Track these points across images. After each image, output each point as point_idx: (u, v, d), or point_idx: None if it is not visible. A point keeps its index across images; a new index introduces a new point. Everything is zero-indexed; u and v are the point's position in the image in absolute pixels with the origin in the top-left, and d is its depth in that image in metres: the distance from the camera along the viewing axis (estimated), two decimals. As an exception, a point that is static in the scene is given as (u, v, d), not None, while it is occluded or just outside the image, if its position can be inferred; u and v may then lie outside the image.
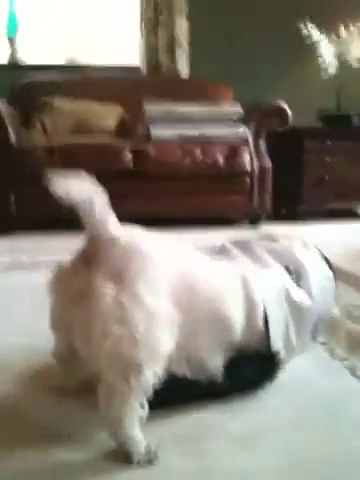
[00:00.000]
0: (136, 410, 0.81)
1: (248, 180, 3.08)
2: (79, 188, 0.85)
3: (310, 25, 3.49)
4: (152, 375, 0.81)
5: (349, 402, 1.02)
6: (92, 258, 0.84)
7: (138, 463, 0.82)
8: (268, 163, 3.12)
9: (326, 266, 1.12)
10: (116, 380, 0.79)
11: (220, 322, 0.92)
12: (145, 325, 0.79)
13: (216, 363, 0.94)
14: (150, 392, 0.81)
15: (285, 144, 3.33)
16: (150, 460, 0.82)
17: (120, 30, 3.97)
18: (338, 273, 1.93)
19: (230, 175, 3.04)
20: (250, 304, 0.96)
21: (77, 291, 0.82)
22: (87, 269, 0.83)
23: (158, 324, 0.81)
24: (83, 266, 0.84)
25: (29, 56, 3.82)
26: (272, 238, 1.13)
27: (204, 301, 0.90)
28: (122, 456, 0.83)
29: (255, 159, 3.08)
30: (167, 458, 0.83)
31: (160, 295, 0.83)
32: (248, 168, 3.05)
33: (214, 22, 3.84)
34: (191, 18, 3.79)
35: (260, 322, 0.97)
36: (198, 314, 0.89)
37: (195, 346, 0.91)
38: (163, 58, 3.83)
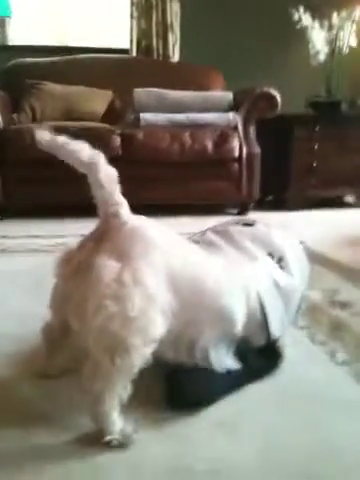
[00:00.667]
0: (118, 390, 0.81)
1: (237, 166, 3.08)
2: (86, 150, 0.90)
3: (302, 11, 3.47)
4: (139, 357, 0.81)
5: (329, 388, 1.04)
6: (101, 236, 0.86)
7: (109, 443, 0.82)
8: (257, 150, 3.12)
9: (300, 247, 1.16)
10: (103, 357, 0.79)
11: (221, 312, 0.94)
12: (140, 306, 0.80)
13: (220, 352, 0.96)
14: (135, 374, 0.82)
15: (274, 131, 3.33)
16: (123, 443, 0.83)
17: (111, 13, 3.94)
18: (322, 260, 1.98)
19: (219, 161, 3.04)
20: (248, 296, 0.99)
21: (79, 263, 0.84)
22: (94, 245, 0.85)
23: (153, 307, 0.82)
24: (91, 242, 0.86)
25: (19, 38, 3.78)
26: (248, 223, 1.15)
27: (205, 291, 0.92)
28: (96, 434, 0.83)
29: (244, 145, 3.08)
30: (146, 443, 0.85)
31: (160, 280, 0.84)
32: (237, 154, 3.05)
33: (205, 7, 3.82)
34: (183, 2, 3.76)
35: (258, 313, 1.00)
36: (199, 303, 0.91)
37: (196, 334, 0.92)
38: (154, 42, 3.81)
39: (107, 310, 0.78)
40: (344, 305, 1.50)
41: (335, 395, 1.01)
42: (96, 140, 3.04)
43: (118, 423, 0.84)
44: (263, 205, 3.29)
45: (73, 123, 2.94)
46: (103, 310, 0.78)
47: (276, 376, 1.07)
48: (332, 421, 0.92)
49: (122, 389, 0.82)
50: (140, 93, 3.15)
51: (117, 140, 2.87)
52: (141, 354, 0.81)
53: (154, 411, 0.94)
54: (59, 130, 3.08)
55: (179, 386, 0.95)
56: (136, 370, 0.82)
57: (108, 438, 0.83)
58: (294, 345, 1.21)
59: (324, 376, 1.09)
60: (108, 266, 0.80)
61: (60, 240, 2.31)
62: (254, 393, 1.01)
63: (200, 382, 0.94)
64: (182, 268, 0.89)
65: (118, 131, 2.91)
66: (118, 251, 0.83)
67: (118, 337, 0.79)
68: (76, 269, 0.84)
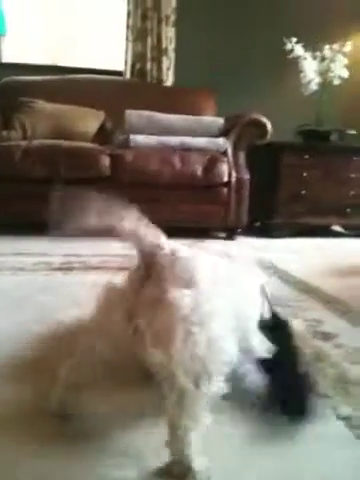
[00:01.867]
0: (204, 419, 0.79)
1: (226, 191, 3.09)
2: (122, 223, 0.88)
3: (295, 42, 3.53)
4: (218, 383, 0.80)
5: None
6: (151, 273, 0.86)
7: None
8: (246, 175, 3.14)
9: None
10: (188, 383, 0.78)
11: (243, 321, 0.94)
12: (219, 330, 0.81)
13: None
14: (212, 402, 0.80)
15: (264, 157, 3.36)
16: None
17: (107, 36, 3.98)
18: (306, 289, 1.97)
19: (208, 186, 3.04)
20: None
21: (147, 302, 0.84)
22: (155, 283, 0.85)
23: (227, 329, 0.83)
24: (143, 281, 0.87)
25: (13, 56, 3.80)
26: (228, 255, 1.12)
27: (235, 303, 0.91)
28: (178, 471, 0.79)
29: (233, 171, 3.10)
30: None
31: (223, 299, 0.86)
32: (226, 179, 3.06)
33: (201, 33, 3.88)
34: (178, 28, 3.82)
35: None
36: (241, 321, 0.92)
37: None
38: (148, 66, 3.85)
39: (195, 337, 0.78)
40: (327, 336, 1.48)
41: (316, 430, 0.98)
42: (85, 160, 3.08)
43: (205, 460, 0.80)
44: (251, 231, 3.30)
45: (62, 142, 2.93)
46: (191, 337, 0.78)
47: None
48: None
49: (206, 417, 0.79)
50: (131, 115, 3.17)
51: (106, 160, 2.87)
52: (220, 379, 0.80)
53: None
54: (48, 148, 3.10)
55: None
56: (216, 396, 0.80)
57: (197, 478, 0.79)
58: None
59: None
60: (184, 296, 0.81)
61: (45, 259, 2.29)
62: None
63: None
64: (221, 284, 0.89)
65: (107, 151, 2.91)
66: (183, 281, 0.84)
67: (204, 361, 0.79)
68: (142, 307, 0.84)
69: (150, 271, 0.87)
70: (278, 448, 0.91)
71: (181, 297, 0.81)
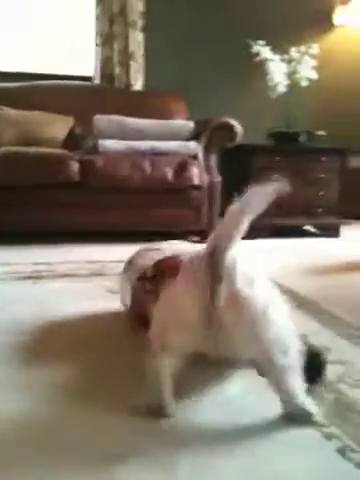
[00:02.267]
0: (301, 379, 1.01)
1: (197, 195, 3.09)
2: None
3: (262, 44, 3.56)
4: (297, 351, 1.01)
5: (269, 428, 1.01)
6: (219, 275, 0.95)
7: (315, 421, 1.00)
8: (217, 178, 3.14)
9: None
10: (282, 359, 0.98)
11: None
12: (285, 313, 1.02)
13: None
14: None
15: (235, 160, 3.37)
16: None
17: (75, 41, 3.95)
18: (280, 290, 1.97)
19: (179, 189, 3.04)
20: None
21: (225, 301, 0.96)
22: (227, 283, 0.96)
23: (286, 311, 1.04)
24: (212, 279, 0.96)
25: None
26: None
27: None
28: (300, 418, 1.00)
29: (205, 174, 3.10)
30: None
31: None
32: (197, 183, 3.06)
33: (169, 37, 3.88)
34: (146, 32, 3.81)
35: None
36: None
37: None
38: (117, 70, 3.83)
39: (277, 323, 0.98)
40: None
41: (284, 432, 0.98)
42: (53, 166, 3.04)
43: (312, 403, 1.02)
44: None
45: (29, 149, 2.90)
46: (274, 323, 0.97)
47: (223, 415, 1.03)
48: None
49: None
50: (100, 120, 3.15)
51: (75, 166, 2.83)
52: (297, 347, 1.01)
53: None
54: (14, 156, 3.04)
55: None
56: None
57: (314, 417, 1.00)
58: (245, 378, 1.18)
59: (272, 413, 1.05)
60: (255, 292, 0.98)
61: (14, 268, 2.25)
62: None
63: None
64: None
65: (76, 157, 2.88)
66: (249, 281, 0.99)
67: (287, 339, 0.99)
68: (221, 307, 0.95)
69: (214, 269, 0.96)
70: (240, 448, 0.90)
71: (256, 295, 0.98)
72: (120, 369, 1.22)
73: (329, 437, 0.95)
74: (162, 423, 0.98)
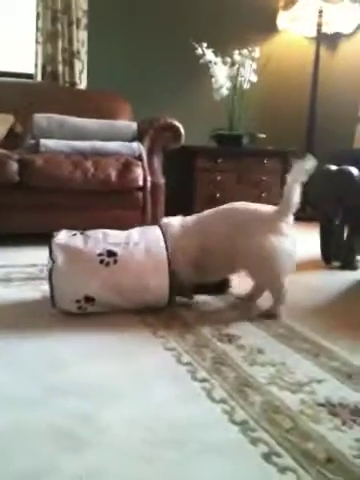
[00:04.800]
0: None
1: (141, 196, 3.07)
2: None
3: (205, 46, 3.58)
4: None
5: (202, 429, 1.01)
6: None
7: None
8: (161, 179, 3.13)
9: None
10: (283, 283, 1.68)
11: None
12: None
13: None
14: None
15: (179, 161, 3.38)
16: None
17: (15, 37, 3.85)
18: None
19: (123, 190, 3.00)
20: None
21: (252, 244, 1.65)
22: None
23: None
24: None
25: None
26: None
27: None
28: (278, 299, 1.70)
29: (148, 175, 3.08)
30: None
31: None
32: (141, 184, 3.04)
33: (113, 36, 3.85)
34: (90, 31, 3.76)
35: None
36: None
37: None
38: (60, 69, 3.75)
39: (286, 261, 1.66)
40: (232, 337, 1.50)
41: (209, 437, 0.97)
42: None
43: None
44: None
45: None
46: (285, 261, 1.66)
47: (149, 419, 1.03)
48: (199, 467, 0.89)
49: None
50: (40, 118, 3.07)
51: (14, 166, 2.75)
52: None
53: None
54: None
55: None
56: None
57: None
58: (174, 382, 1.18)
59: (200, 416, 1.05)
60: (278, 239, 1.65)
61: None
62: (122, 443, 0.95)
63: None
64: None
65: (15, 157, 2.80)
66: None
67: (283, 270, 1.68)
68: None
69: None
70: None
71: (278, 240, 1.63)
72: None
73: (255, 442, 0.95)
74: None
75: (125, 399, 1.11)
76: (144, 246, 1.65)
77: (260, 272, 1.68)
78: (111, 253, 1.62)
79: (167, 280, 1.62)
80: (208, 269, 1.76)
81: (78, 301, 1.59)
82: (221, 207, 1.82)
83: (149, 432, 0.98)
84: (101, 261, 1.60)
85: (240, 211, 1.75)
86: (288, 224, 1.67)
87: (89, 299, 1.60)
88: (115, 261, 1.60)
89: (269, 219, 1.67)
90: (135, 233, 1.74)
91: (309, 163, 1.63)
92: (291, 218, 1.68)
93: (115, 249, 1.63)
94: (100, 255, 1.61)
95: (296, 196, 1.64)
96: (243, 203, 1.80)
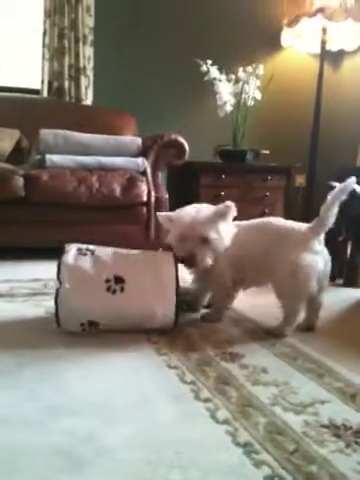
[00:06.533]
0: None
1: (145, 211, 3.08)
2: None
3: (210, 64, 3.62)
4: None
5: (206, 451, 1.00)
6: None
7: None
8: (165, 195, 3.15)
9: None
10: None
11: None
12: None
13: None
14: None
15: (183, 177, 3.40)
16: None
17: (23, 53, 3.90)
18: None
19: (127, 205, 3.02)
20: None
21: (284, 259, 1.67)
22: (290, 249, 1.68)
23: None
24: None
25: None
26: None
27: None
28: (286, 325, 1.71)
29: (152, 191, 3.10)
30: None
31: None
32: (145, 199, 3.05)
33: (119, 52, 3.89)
34: (96, 47, 3.81)
35: None
36: None
37: None
38: (66, 85, 3.79)
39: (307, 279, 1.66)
40: (235, 356, 1.49)
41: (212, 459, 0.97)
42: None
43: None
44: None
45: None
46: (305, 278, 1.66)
47: (152, 440, 1.02)
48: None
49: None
50: (46, 134, 3.10)
51: (19, 181, 2.78)
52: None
53: None
54: None
55: None
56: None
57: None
58: (177, 402, 1.18)
59: (204, 437, 1.04)
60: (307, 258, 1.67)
61: None
62: (123, 464, 0.95)
63: None
64: None
65: (21, 172, 2.82)
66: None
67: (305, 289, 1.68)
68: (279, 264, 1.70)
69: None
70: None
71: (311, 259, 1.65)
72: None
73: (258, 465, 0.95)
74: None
75: (127, 419, 1.10)
76: (153, 273, 1.63)
77: (287, 288, 1.67)
78: (119, 279, 1.59)
79: (174, 308, 1.61)
80: (237, 279, 1.80)
81: (82, 324, 1.60)
82: (255, 220, 1.85)
83: (151, 453, 0.97)
84: (108, 288, 1.58)
85: (275, 226, 1.76)
86: (320, 242, 1.69)
87: (93, 323, 1.60)
88: (122, 289, 1.58)
89: (303, 237, 1.68)
90: (145, 256, 1.72)
91: (352, 185, 1.65)
92: (322, 236, 1.70)
93: (123, 276, 1.60)
94: (107, 281, 1.58)
95: (333, 216, 1.65)
96: (278, 218, 1.82)
